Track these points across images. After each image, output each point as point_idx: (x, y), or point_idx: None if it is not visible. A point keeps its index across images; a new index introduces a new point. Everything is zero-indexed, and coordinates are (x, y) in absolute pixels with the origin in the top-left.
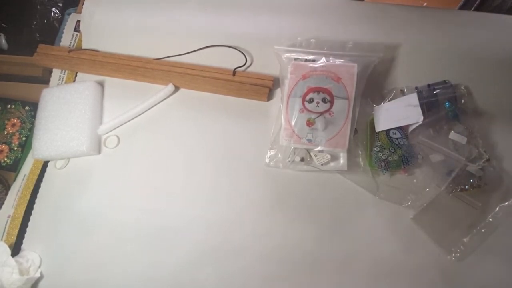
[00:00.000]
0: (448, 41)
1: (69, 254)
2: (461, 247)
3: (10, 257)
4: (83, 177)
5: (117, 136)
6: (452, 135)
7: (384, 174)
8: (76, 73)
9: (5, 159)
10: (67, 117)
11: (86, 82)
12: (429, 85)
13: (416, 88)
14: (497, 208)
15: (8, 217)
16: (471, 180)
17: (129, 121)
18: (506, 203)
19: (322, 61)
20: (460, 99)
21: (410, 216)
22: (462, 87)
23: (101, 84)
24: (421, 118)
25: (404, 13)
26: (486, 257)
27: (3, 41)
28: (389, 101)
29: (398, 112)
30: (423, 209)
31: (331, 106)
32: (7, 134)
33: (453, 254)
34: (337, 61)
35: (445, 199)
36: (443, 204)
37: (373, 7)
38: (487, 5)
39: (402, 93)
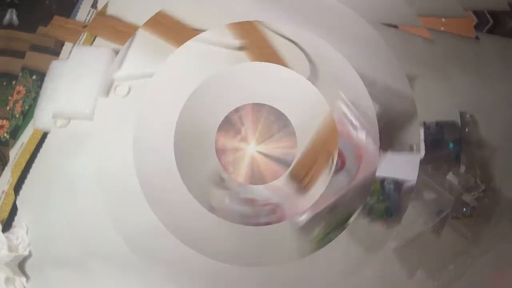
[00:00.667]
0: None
1: (59, 226)
2: (446, 275)
3: (0, 232)
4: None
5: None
6: (450, 176)
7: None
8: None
9: (5, 134)
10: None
11: (103, 47)
12: (437, 123)
13: (424, 123)
14: (486, 240)
15: (2, 192)
16: (464, 209)
17: None
18: (495, 236)
19: None
20: (464, 127)
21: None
22: (468, 116)
23: (117, 53)
24: (422, 154)
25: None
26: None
27: (14, 16)
28: None
29: None
30: (407, 243)
31: None
32: (9, 110)
33: (436, 282)
34: None
35: (430, 236)
36: (428, 240)
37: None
38: (499, 27)
39: None
